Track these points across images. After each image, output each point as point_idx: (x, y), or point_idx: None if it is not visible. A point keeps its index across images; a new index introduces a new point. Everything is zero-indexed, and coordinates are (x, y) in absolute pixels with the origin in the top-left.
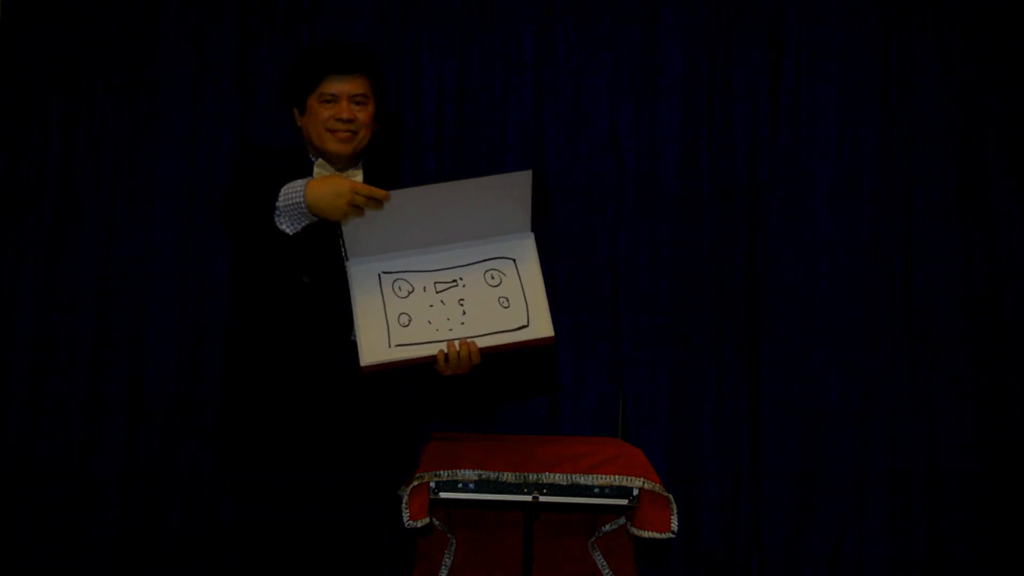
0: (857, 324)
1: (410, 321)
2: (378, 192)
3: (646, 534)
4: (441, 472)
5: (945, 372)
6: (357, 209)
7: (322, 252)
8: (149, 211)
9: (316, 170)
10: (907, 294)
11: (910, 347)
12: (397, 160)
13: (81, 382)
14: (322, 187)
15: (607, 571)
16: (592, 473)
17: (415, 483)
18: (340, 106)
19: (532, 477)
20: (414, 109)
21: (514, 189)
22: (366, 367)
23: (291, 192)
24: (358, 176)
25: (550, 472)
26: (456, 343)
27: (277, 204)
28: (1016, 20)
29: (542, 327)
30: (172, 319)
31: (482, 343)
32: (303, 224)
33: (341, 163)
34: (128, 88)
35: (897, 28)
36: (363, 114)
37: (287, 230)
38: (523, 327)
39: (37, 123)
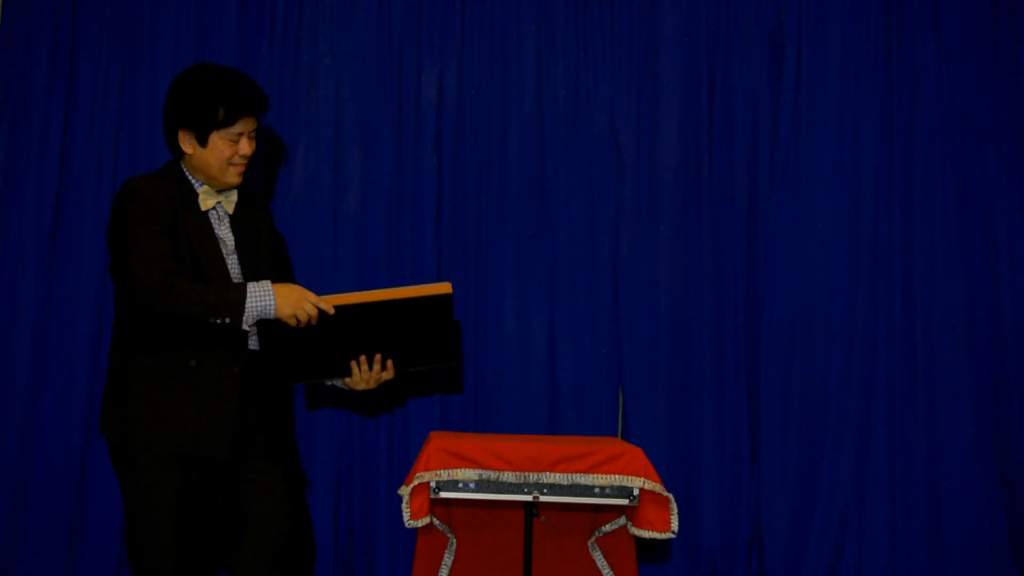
0: (857, 323)
1: None
2: (327, 308)
3: (646, 534)
4: (441, 472)
5: (945, 371)
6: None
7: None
8: None
9: (201, 197)
10: (907, 293)
11: (910, 346)
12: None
13: (82, 382)
14: (290, 299)
15: (607, 571)
16: (592, 473)
17: (415, 482)
18: (242, 143)
19: (532, 477)
20: (414, 107)
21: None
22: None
23: (259, 301)
24: (233, 196)
25: (550, 472)
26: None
27: (247, 311)
28: (1016, 20)
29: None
30: None
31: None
32: (256, 320)
33: (225, 189)
34: (128, 87)
35: (897, 28)
36: (254, 146)
37: (245, 327)
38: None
39: (37, 123)
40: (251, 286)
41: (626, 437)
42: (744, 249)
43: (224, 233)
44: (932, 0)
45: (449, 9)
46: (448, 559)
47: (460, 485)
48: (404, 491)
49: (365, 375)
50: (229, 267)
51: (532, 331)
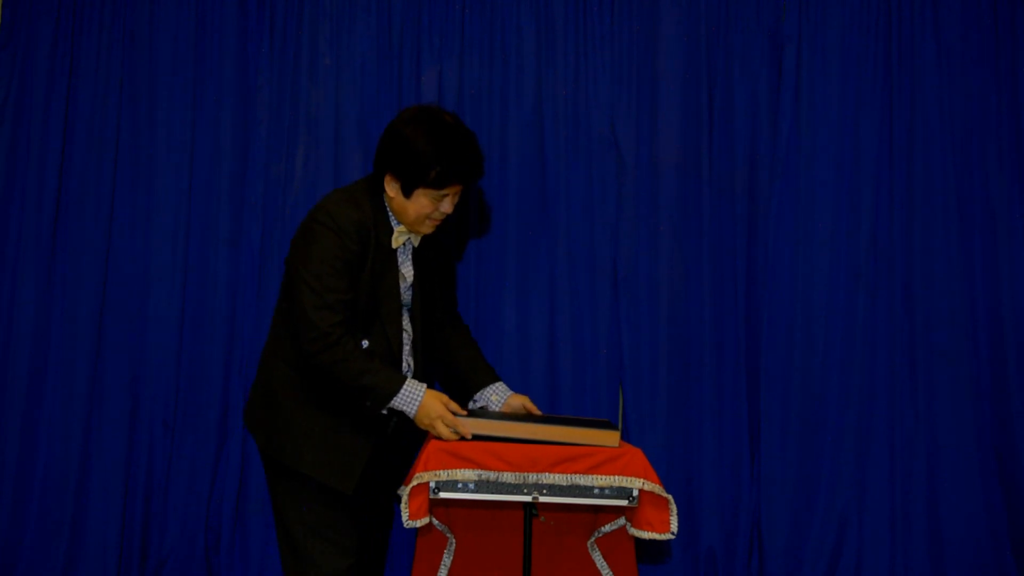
0: (857, 323)
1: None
2: (465, 432)
3: (646, 535)
4: (440, 472)
5: (945, 371)
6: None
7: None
8: (149, 210)
9: (395, 235)
10: (907, 293)
11: (910, 346)
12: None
13: (81, 381)
14: (430, 413)
15: (607, 571)
16: (592, 473)
17: (414, 483)
18: (445, 203)
19: (532, 477)
20: None
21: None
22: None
23: (405, 402)
24: (418, 238)
25: (550, 472)
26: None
27: (390, 405)
28: (1016, 20)
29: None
30: (172, 319)
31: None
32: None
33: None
34: (128, 87)
35: (897, 28)
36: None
37: (380, 411)
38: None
39: (37, 123)
40: (407, 385)
41: (626, 437)
42: (744, 249)
43: (406, 269)
44: (932, 1)
45: (449, 9)
46: (447, 559)
47: (459, 485)
48: (403, 491)
49: None
50: (404, 300)
51: (532, 331)
